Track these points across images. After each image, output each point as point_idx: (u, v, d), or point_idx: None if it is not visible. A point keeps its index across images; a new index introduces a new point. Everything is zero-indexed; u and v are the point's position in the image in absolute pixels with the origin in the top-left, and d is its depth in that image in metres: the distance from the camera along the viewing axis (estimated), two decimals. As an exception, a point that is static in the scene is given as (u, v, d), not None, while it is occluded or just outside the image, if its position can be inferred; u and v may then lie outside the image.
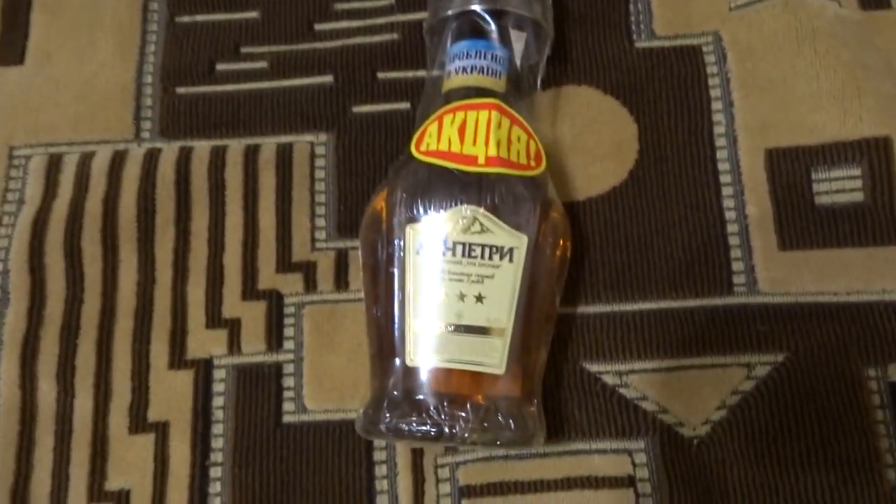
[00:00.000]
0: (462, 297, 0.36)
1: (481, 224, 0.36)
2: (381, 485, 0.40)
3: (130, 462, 0.41)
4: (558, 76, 0.46)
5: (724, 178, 0.43)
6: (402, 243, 0.37)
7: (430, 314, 0.36)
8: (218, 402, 0.42)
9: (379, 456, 0.41)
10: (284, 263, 0.44)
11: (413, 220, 0.37)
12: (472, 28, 0.40)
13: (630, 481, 0.40)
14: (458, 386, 0.36)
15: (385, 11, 0.49)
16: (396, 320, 0.37)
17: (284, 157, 0.46)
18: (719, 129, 0.44)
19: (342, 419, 0.41)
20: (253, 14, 0.49)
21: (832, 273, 0.41)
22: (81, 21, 0.49)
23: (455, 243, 0.36)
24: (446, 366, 0.36)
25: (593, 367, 0.41)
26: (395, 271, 0.37)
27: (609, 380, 0.41)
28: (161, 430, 0.41)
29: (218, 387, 0.42)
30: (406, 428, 0.35)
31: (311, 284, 0.44)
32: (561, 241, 0.39)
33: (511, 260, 0.36)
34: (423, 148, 0.38)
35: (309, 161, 0.46)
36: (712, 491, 0.39)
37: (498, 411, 0.35)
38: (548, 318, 0.38)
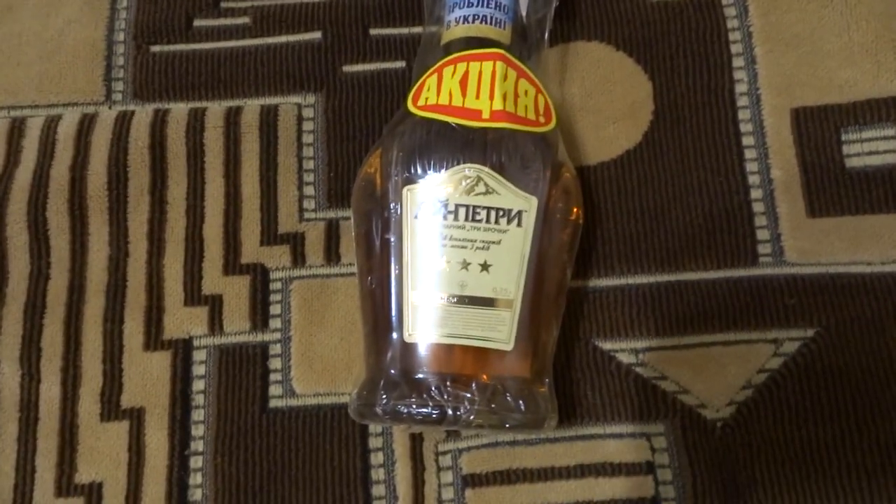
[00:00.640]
0: (465, 265, 0.32)
1: (486, 184, 0.33)
2: (378, 474, 0.37)
3: (102, 452, 0.37)
4: (567, 31, 0.42)
5: (747, 141, 0.40)
6: (398, 208, 0.33)
7: (431, 285, 0.32)
8: (198, 385, 0.38)
9: (375, 443, 0.37)
10: (270, 235, 0.40)
11: (410, 181, 0.33)
12: (473, -26, 0.37)
13: (649, 468, 0.36)
14: (461, 364, 0.32)
15: (378, -36, 0.45)
16: (393, 292, 0.33)
17: (269, 120, 0.42)
18: (741, 88, 0.41)
19: (334, 403, 0.38)
20: (234, -32, 0.45)
21: (865, 241, 0.38)
22: (47, -25, 0.45)
23: (457, 206, 0.33)
24: (449, 341, 0.32)
25: (607, 345, 0.38)
26: (392, 238, 0.33)
27: (624, 358, 0.38)
28: (136, 417, 0.38)
29: (198, 369, 0.39)
30: (405, 410, 0.31)
31: (299, 258, 0.40)
32: (574, 206, 0.35)
33: (519, 224, 0.33)
34: (420, 103, 0.35)
35: (296, 124, 0.42)
36: (738, 477, 0.36)
37: (506, 391, 0.32)
38: (559, 290, 0.35)
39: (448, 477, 0.37)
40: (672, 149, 0.40)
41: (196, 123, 0.42)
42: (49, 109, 0.42)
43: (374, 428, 0.38)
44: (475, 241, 0.33)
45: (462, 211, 0.33)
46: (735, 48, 0.41)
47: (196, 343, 0.39)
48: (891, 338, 0.37)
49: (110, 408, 0.38)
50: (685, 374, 0.37)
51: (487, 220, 0.33)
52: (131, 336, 0.39)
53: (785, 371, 0.37)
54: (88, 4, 0.44)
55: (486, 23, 0.36)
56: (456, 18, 0.36)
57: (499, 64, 0.35)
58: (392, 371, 0.33)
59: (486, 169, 0.33)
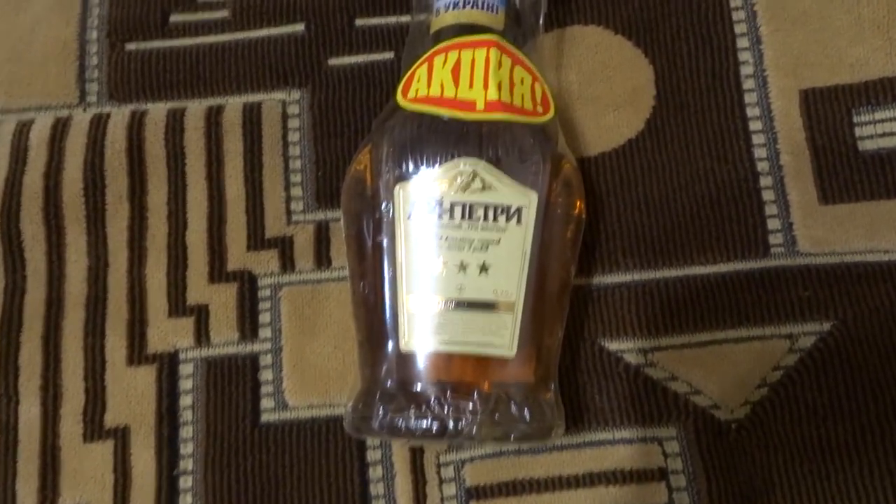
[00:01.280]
0: (463, 267, 0.31)
1: (483, 180, 0.31)
2: (377, 489, 0.35)
3: (86, 474, 0.36)
4: (562, 15, 0.40)
5: (754, 125, 0.38)
6: (390, 207, 0.31)
7: (427, 289, 0.31)
8: (185, 401, 0.36)
9: (373, 456, 0.36)
10: (257, 240, 0.38)
11: (402, 179, 0.31)
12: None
13: (661, 474, 0.35)
14: (461, 372, 0.31)
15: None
16: (387, 298, 0.31)
17: (252, 118, 0.40)
18: (747, 70, 0.39)
19: (329, 415, 0.36)
20: (211, -41, 0.43)
21: (882, 228, 0.36)
22: (14, -29, 0.43)
23: (453, 204, 0.31)
24: (447, 349, 0.30)
25: (614, 346, 0.36)
26: (384, 241, 0.32)
27: (632, 359, 0.36)
28: (121, 437, 0.36)
29: (185, 384, 0.37)
30: (403, 424, 0.29)
31: (288, 263, 0.38)
32: (576, 200, 0.33)
33: (519, 221, 0.31)
34: (410, 95, 0.33)
35: (280, 122, 0.40)
36: (755, 480, 0.34)
37: (510, 400, 0.30)
38: (563, 290, 0.33)
39: (451, 490, 0.35)
40: (676, 136, 0.38)
41: (175, 124, 0.40)
42: (20, 114, 0.40)
43: (371, 440, 0.36)
44: (472, 240, 0.31)
45: (458, 209, 0.31)
46: (739, 28, 0.39)
47: (182, 356, 0.37)
48: (912, 329, 0.35)
49: (93, 427, 0.36)
50: (697, 374, 0.36)
51: (485, 218, 0.31)
52: (114, 351, 0.37)
53: (801, 367, 0.35)
54: (59, 2, 0.42)
55: (477, 7, 0.34)
56: (445, 4, 0.34)
57: (492, 51, 0.33)
58: (388, 382, 0.31)
59: (483, 163, 0.31)
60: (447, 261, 0.31)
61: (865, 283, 0.36)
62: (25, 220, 0.38)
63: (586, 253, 0.37)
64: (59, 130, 0.40)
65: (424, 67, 0.33)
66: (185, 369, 0.37)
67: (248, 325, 0.37)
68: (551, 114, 0.33)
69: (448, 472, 0.35)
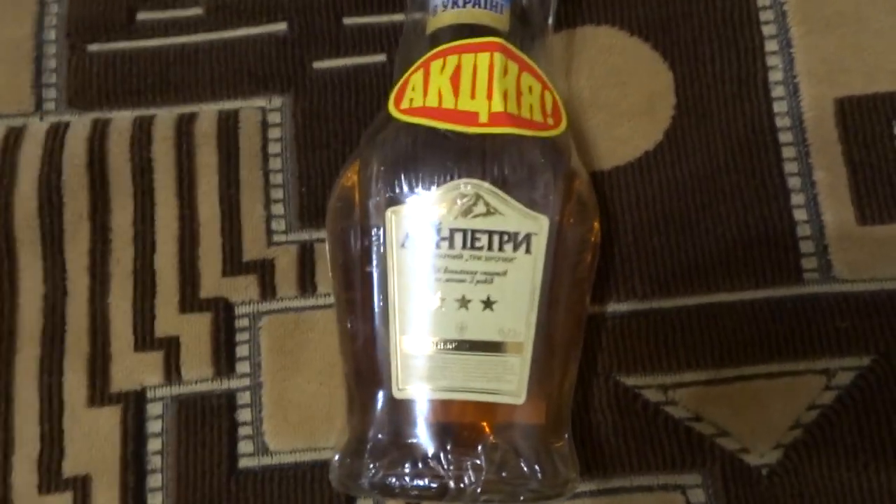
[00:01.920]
0: (465, 302, 0.27)
1: (487, 203, 0.27)
2: (368, 545, 0.31)
3: (42, 529, 0.32)
4: (572, 15, 0.36)
5: (785, 137, 0.34)
6: (381, 233, 0.28)
7: (423, 328, 0.27)
8: (153, 445, 0.33)
9: (363, 505, 0.32)
10: (234, 264, 0.35)
11: (395, 201, 0.28)
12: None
13: (685, 526, 0.31)
14: (463, 423, 0.27)
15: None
16: (378, 337, 0.28)
17: (228, 127, 0.36)
18: (776, 76, 0.35)
19: (314, 461, 0.33)
20: (184, -49, 0.39)
21: (927, 251, 0.33)
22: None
23: (453, 231, 0.27)
24: (447, 396, 0.27)
25: (631, 381, 0.33)
26: (374, 271, 0.28)
27: (652, 396, 0.32)
28: (80, 487, 0.32)
29: (153, 426, 0.33)
30: (397, 483, 0.26)
31: (268, 289, 0.34)
32: (592, 223, 0.30)
33: (528, 250, 0.27)
34: (404, 105, 0.29)
35: (260, 132, 0.36)
36: (790, 535, 0.31)
37: (518, 454, 0.26)
38: (577, 326, 0.30)
39: (451, 544, 0.31)
40: (698, 149, 0.35)
41: (142, 135, 0.36)
42: (-31, 123, 0.36)
43: (361, 488, 0.32)
44: (475, 272, 0.27)
45: (458, 237, 0.27)
46: (767, 30, 0.35)
47: (150, 395, 0.33)
48: (961, 364, 0.31)
49: (50, 477, 0.32)
50: (723, 414, 0.32)
51: (489, 247, 0.27)
52: (73, 390, 0.33)
53: (839, 406, 0.32)
54: (12, -1, 0.38)
55: (479, 6, 0.30)
56: (443, 2, 0.31)
57: (497, 55, 0.29)
58: (379, 433, 0.27)
59: (486, 184, 0.27)
60: (446, 296, 0.27)
61: (909, 313, 0.32)
62: (-27, 243, 0.34)
63: (599, 278, 0.33)
64: (12, 142, 0.36)
65: (420, 74, 0.29)
66: (154, 409, 0.33)
67: (223, 359, 0.34)
68: (563, 126, 0.30)
69: (448, 523, 0.32)
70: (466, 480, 0.26)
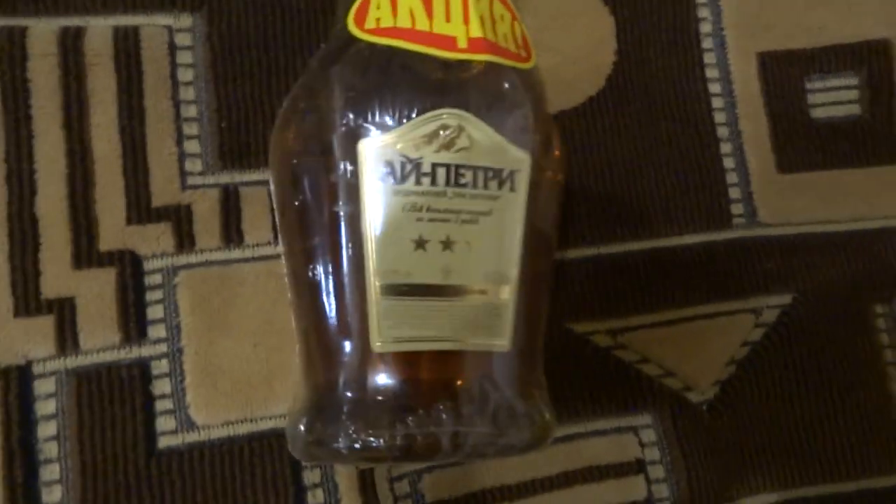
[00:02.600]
0: (449, 244, 0.24)
1: (470, 137, 0.25)
2: (322, 520, 0.28)
3: None
4: (515, -51, 0.35)
5: (714, 88, 0.36)
6: (349, 169, 0.24)
7: (403, 273, 0.24)
8: (46, 430, 0.27)
9: (311, 478, 0.29)
10: (140, 210, 0.29)
11: (366, 133, 0.24)
12: None
13: (639, 466, 0.32)
14: (449, 375, 0.25)
15: None
16: (349, 285, 0.24)
17: (128, 47, 0.30)
18: (706, 28, 0.36)
19: (252, 432, 0.29)
20: None
21: (836, 198, 0.35)
22: None
23: (435, 166, 0.24)
24: (431, 347, 0.24)
25: (581, 328, 0.32)
26: (343, 211, 0.24)
27: (601, 341, 0.32)
28: (-51, 486, 0.26)
29: (44, 407, 0.27)
30: (383, 444, 0.23)
31: (185, 239, 0.29)
32: (561, 162, 0.28)
33: (513, 188, 0.25)
34: (369, 25, 0.25)
35: (167, 55, 0.30)
36: (730, 464, 0.32)
37: (509, 403, 0.25)
38: (550, 267, 0.28)
39: (409, 509, 0.29)
40: (638, 95, 0.35)
41: (15, 51, 0.29)
42: None
43: (307, 458, 0.29)
44: (460, 212, 0.24)
45: (441, 172, 0.24)
46: (697, -18, 0.36)
47: (38, 369, 0.27)
48: (863, 299, 0.35)
49: None
50: (668, 355, 0.33)
51: (474, 185, 0.25)
52: (-68, 367, 0.26)
53: (767, 342, 0.34)
54: None
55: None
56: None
57: (469, -23, 0.26)
58: (353, 392, 0.24)
59: (470, 116, 0.25)
60: (429, 237, 0.24)
61: (821, 254, 0.35)
62: None
63: (548, 225, 0.32)
64: None
65: (384, -9, 0.26)
66: (44, 387, 0.27)
67: (132, 322, 0.28)
68: (534, 60, 0.28)
69: (402, 488, 0.30)
70: (463, 437, 0.23)
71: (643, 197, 0.34)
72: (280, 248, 0.30)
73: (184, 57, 0.31)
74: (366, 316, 0.24)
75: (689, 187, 0.34)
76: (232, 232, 0.30)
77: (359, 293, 0.24)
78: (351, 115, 0.24)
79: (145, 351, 0.28)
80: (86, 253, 0.28)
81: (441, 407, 0.24)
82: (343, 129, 0.24)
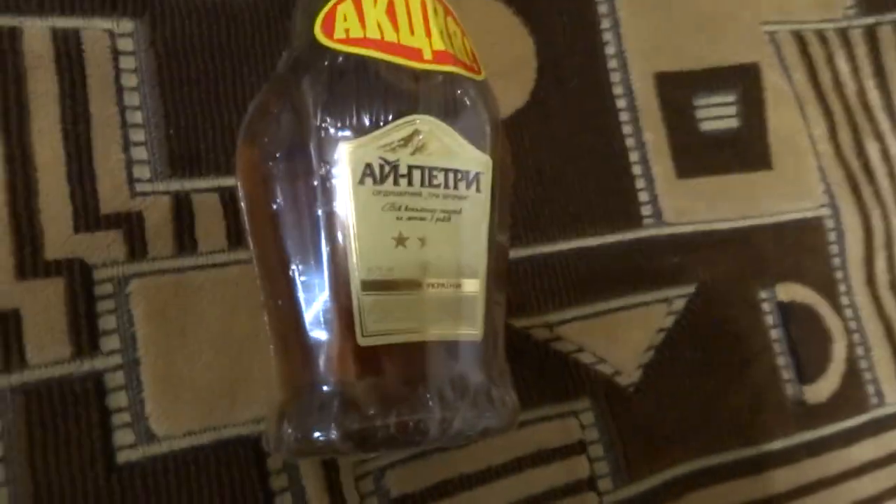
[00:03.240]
0: (425, 241, 0.26)
1: (441, 141, 0.27)
2: (295, 521, 0.28)
3: None
4: (446, -29, 0.37)
5: (620, 103, 0.40)
6: (331, 171, 0.25)
7: (386, 269, 0.25)
8: (-5, 452, 0.25)
9: (278, 483, 0.29)
10: (88, 217, 0.28)
11: (346, 137, 0.25)
12: None
13: (581, 447, 0.34)
14: (432, 363, 0.26)
15: None
16: (330, 284, 0.25)
17: (69, 50, 0.29)
18: (610, 50, 0.40)
19: (217, 441, 0.28)
20: None
21: (723, 199, 0.41)
22: None
23: (411, 168, 0.26)
24: (415, 337, 0.25)
25: (521, 322, 0.35)
26: (322, 212, 0.25)
27: (540, 334, 0.35)
28: None
29: (-9, 427, 0.25)
30: (379, 430, 0.24)
31: (137, 246, 0.29)
32: (510, 167, 0.31)
33: (478, 189, 0.27)
34: (339, 35, 0.27)
35: (111, 60, 0.30)
36: (655, 439, 0.36)
37: (486, 390, 0.26)
38: (506, 262, 0.31)
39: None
40: (558, 109, 0.38)
41: (-57, 48, 0.27)
42: None
43: (273, 464, 0.29)
44: (434, 211, 0.26)
45: (416, 174, 0.26)
46: (601, 9, 0.41)
47: (-18, 388, 0.25)
48: (750, 286, 0.40)
49: None
50: (600, 343, 0.36)
51: (446, 185, 0.26)
52: None
53: (678, 328, 0.38)
54: None
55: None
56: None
57: (426, -6, 0.28)
58: (340, 386, 0.25)
59: (439, 122, 0.27)
60: (409, 234, 0.26)
61: (715, 248, 0.40)
62: None
63: (488, 227, 0.35)
64: None
65: (349, 4, 0.27)
66: (-11, 407, 0.25)
67: (84, 333, 0.27)
68: (483, 74, 0.30)
69: (367, 485, 0.30)
70: (445, 420, 0.25)
71: (569, 201, 0.37)
72: (238, 255, 0.30)
73: (127, 62, 0.30)
74: (350, 311, 0.25)
75: (607, 192, 0.38)
76: (185, 239, 0.29)
77: (342, 290, 0.25)
78: (329, 120, 0.25)
79: (98, 363, 0.27)
80: (30, 262, 0.27)
81: (427, 394, 0.25)
82: (322, 133, 0.25)
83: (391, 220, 0.25)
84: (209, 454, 0.28)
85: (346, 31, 0.27)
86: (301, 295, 0.26)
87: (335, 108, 0.26)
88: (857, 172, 0.44)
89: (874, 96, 0.46)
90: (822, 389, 0.40)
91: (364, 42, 0.26)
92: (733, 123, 0.42)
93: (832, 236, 0.43)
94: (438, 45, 0.28)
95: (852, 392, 0.41)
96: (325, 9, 0.27)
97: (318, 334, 0.25)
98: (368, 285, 0.25)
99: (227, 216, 0.30)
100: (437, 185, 0.26)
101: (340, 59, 0.26)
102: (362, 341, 0.25)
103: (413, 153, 0.26)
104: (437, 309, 0.26)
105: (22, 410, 0.26)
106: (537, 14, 0.39)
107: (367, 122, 0.25)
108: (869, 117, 0.45)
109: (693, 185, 0.40)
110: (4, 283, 0.26)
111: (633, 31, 0.41)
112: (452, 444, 0.31)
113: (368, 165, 0.25)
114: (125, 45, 0.30)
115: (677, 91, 0.41)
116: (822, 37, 0.45)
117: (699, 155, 0.41)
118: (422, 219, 0.26)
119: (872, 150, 0.45)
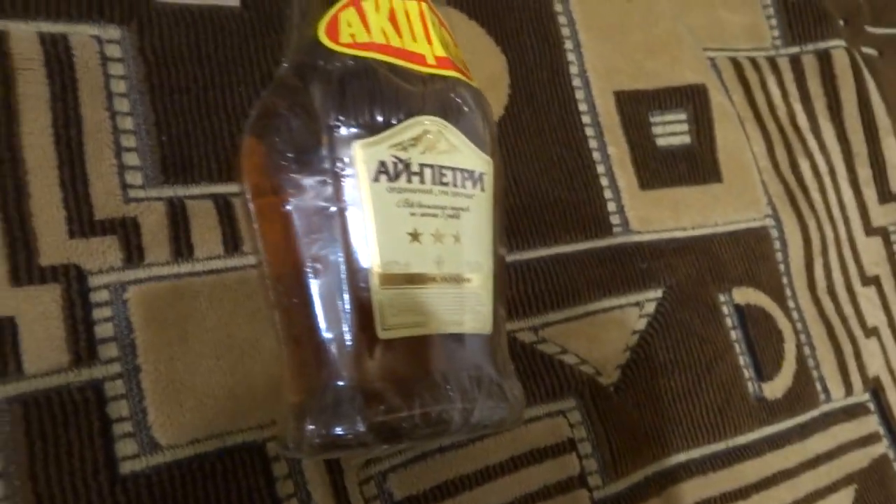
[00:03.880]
0: (439, 237, 0.27)
1: (448, 141, 0.28)
2: (306, 527, 0.28)
3: None
4: (424, -9, 0.38)
5: (585, 119, 0.42)
6: (346, 169, 0.26)
7: (402, 264, 0.26)
8: (-10, 467, 0.24)
9: (284, 489, 0.28)
10: (83, 222, 0.27)
11: (359, 136, 0.26)
12: None
13: (571, 445, 0.35)
14: (448, 357, 0.26)
15: None
16: (348, 280, 0.25)
17: (59, 54, 0.28)
18: (573, 70, 0.43)
19: (222, 448, 0.28)
20: None
21: (681, 209, 0.43)
22: None
23: (423, 166, 0.27)
24: (431, 331, 0.26)
25: (508, 326, 0.36)
26: (337, 210, 0.26)
27: (526, 337, 0.36)
28: None
29: (-14, 441, 0.24)
30: (404, 423, 0.24)
31: (134, 252, 0.28)
32: (503, 170, 0.32)
33: (483, 188, 0.28)
34: (345, 39, 0.27)
35: (100, 65, 0.29)
36: (637, 436, 0.37)
37: (498, 382, 0.27)
38: (504, 260, 0.32)
39: (380, 508, 0.30)
40: (531, 124, 0.40)
41: (-68, 46, 0.26)
42: None
43: (279, 470, 0.28)
44: (445, 208, 0.27)
45: (428, 172, 0.27)
46: (564, 31, 0.43)
47: (-23, 399, 0.24)
48: (710, 290, 0.43)
49: None
50: (582, 345, 0.37)
51: (454, 184, 0.27)
52: None
53: (651, 330, 0.40)
54: None
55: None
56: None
57: (424, 4, 0.30)
58: (361, 382, 0.25)
59: (447, 123, 0.28)
60: (422, 230, 0.26)
61: (678, 255, 0.42)
62: None
63: (474, 234, 0.36)
64: None
65: (352, 11, 0.28)
66: (-18, 420, 0.24)
67: (81, 341, 0.26)
68: (475, 81, 0.32)
69: (370, 490, 0.30)
70: (466, 410, 0.25)
71: (545, 210, 0.39)
72: (235, 261, 0.30)
73: (116, 68, 0.29)
74: (369, 306, 0.25)
75: (579, 202, 0.40)
76: (182, 245, 0.29)
77: (361, 286, 0.25)
78: (341, 119, 0.26)
79: (97, 372, 0.26)
80: (25, 268, 0.26)
81: (448, 386, 0.25)
82: (334, 132, 0.26)
83: (406, 215, 0.26)
84: (214, 462, 0.27)
85: (353, 35, 0.27)
86: (316, 293, 0.26)
87: (347, 108, 0.26)
88: (794, 187, 0.48)
89: (802, 118, 0.50)
90: (778, 386, 0.43)
91: (371, 46, 0.27)
92: (686, 139, 0.45)
93: (777, 244, 0.46)
94: (440, 51, 0.29)
95: (804, 389, 0.44)
96: (328, 15, 0.28)
97: (336, 331, 0.25)
98: (386, 279, 0.25)
99: (223, 222, 0.30)
100: (447, 183, 0.27)
101: (350, 62, 0.27)
102: (382, 335, 0.25)
103: (423, 152, 0.27)
104: (451, 302, 0.27)
105: (20, 421, 0.24)
106: (507, 33, 0.41)
107: (379, 121, 0.26)
108: (799, 137, 0.50)
109: (654, 195, 0.43)
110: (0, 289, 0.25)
111: (594, 52, 0.43)
112: (471, 435, 0.31)
113: (382, 163, 0.26)
114: (113, 51, 0.30)
115: (635, 108, 0.44)
116: (754, 63, 0.49)
117: (657, 168, 0.43)
118: (434, 215, 0.27)
119: (805, 166, 0.49)
